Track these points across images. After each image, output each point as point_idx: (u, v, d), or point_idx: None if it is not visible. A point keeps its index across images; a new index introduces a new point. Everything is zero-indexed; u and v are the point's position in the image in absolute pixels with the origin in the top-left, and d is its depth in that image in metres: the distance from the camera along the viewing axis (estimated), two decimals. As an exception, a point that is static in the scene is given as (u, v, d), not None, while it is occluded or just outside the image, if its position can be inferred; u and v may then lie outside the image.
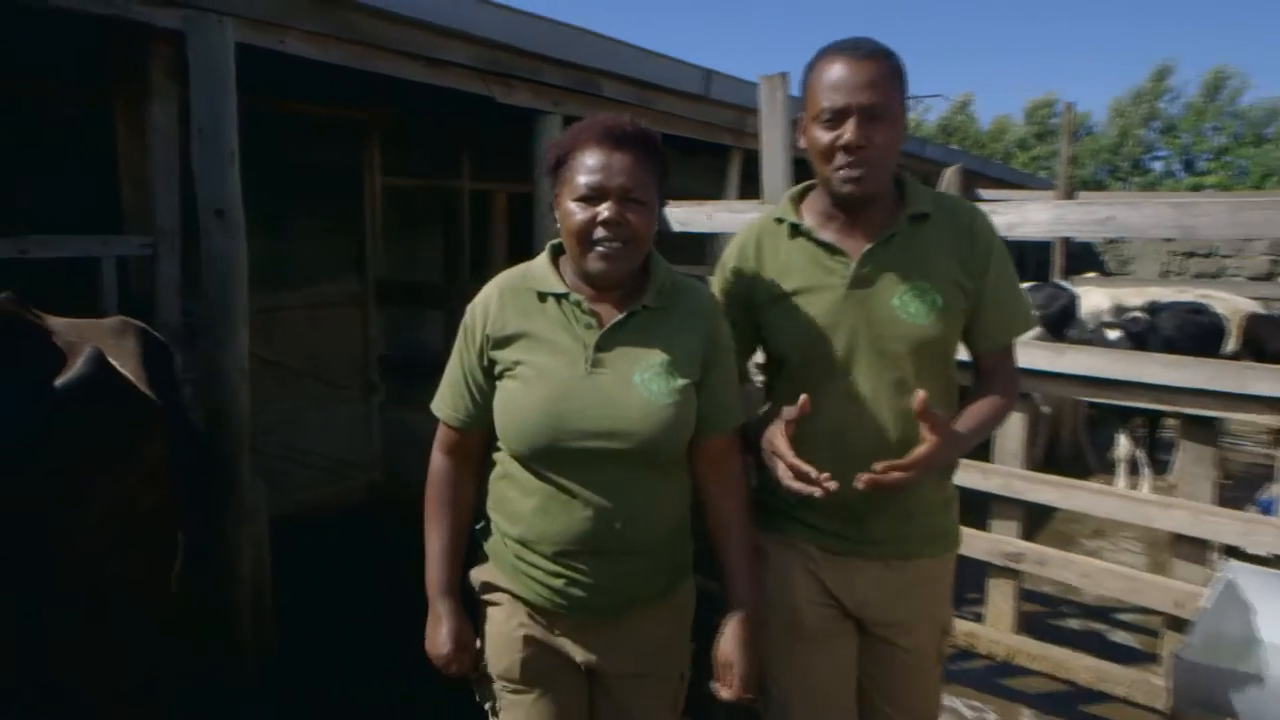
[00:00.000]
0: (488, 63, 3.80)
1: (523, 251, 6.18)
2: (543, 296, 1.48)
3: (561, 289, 1.47)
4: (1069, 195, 7.38)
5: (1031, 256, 10.14)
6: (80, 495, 1.45)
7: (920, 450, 1.42)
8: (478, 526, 1.62)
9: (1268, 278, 9.95)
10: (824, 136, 1.51)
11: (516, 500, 1.50)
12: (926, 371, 1.58)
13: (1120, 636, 3.68)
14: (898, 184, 1.63)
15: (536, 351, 1.46)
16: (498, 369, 1.49)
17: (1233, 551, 2.78)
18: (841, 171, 1.51)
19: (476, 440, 1.57)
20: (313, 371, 4.75)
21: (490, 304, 1.50)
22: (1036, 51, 60.18)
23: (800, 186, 1.69)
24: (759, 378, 1.88)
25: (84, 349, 1.43)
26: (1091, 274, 9.74)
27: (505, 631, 1.55)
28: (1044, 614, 3.82)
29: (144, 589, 1.63)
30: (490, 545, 1.59)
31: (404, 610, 1.85)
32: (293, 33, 3.09)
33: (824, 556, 1.65)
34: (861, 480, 1.41)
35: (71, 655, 1.49)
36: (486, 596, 1.59)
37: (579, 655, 1.53)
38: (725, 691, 1.54)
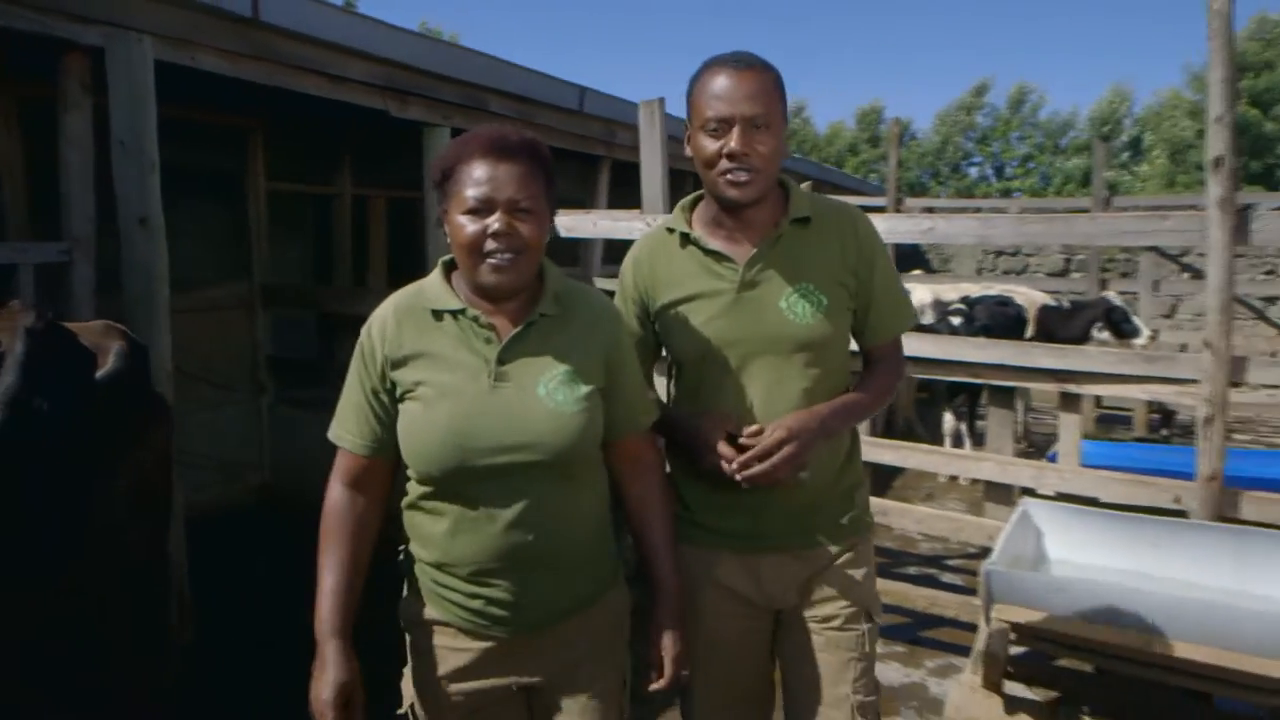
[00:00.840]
0: (384, 79, 4.06)
1: (402, 255, 6.52)
2: (438, 314, 1.46)
3: (457, 305, 1.46)
4: (897, 202, 8.29)
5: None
6: (111, 470, 1.69)
7: (769, 428, 1.54)
8: (399, 559, 1.59)
9: (1062, 274, 11.35)
10: (709, 145, 1.56)
11: (427, 524, 1.48)
12: (816, 368, 1.65)
13: (949, 578, 4.37)
14: (782, 190, 1.69)
15: (437, 370, 1.43)
16: (398, 391, 1.46)
17: (1028, 492, 3.45)
18: (726, 177, 1.56)
19: (380, 468, 1.51)
20: (203, 374, 4.82)
21: (386, 325, 1.47)
22: (865, 60, 64.22)
23: (692, 196, 1.74)
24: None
25: (111, 347, 1.67)
26: (917, 271, 10.88)
27: (432, 670, 1.51)
28: (887, 564, 4.47)
29: (151, 554, 1.88)
30: (409, 572, 1.56)
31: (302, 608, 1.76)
32: (205, 49, 3.27)
33: (728, 557, 1.69)
34: (737, 475, 1.52)
35: (95, 610, 1.73)
36: (411, 632, 1.56)
37: (512, 677, 1.51)
38: (658, 680, 1.56)
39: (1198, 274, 8.97)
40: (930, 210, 12.46)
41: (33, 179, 3.74)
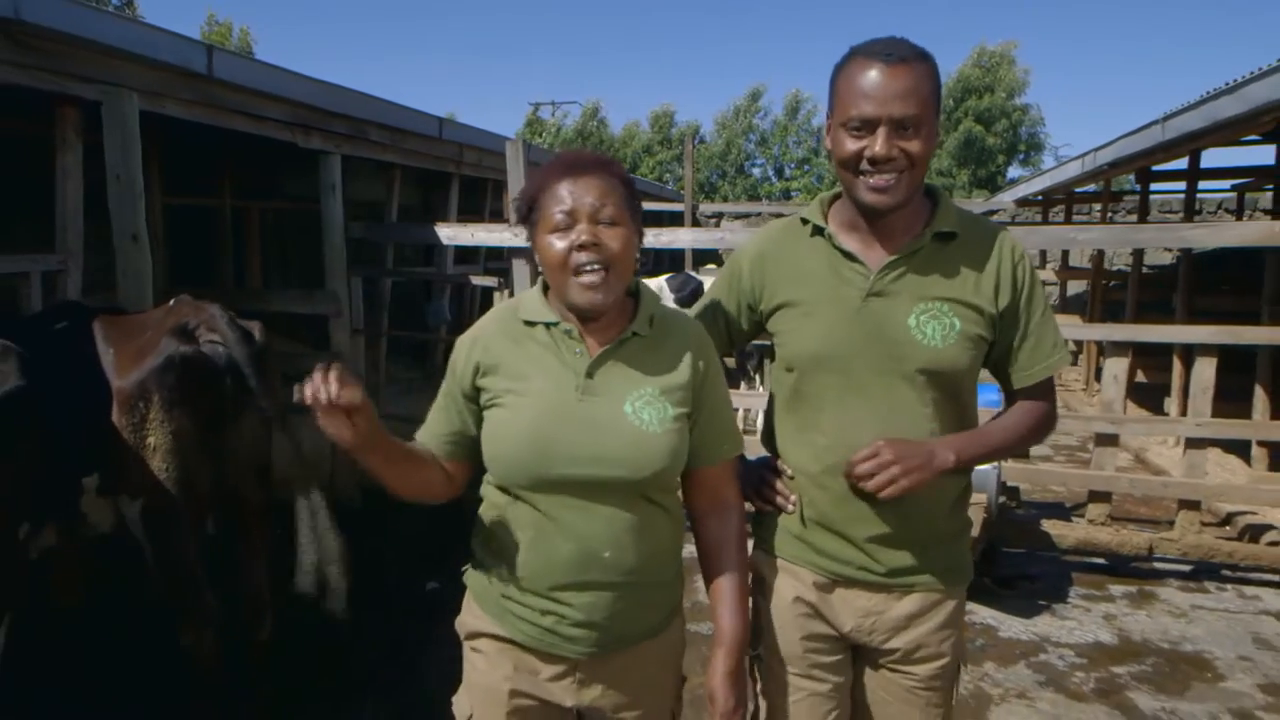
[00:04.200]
0: (293, 117, 4.97)
1: (276, 261, 7.64)
2: (531, 324, 1.48)
3: (551, 317, 1.46)
4: (694, 210, 9.88)
5: (666, 253, 12.80)
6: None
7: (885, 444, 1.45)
8: (463, 568, 1.60)
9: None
10: (850, 145, 1.45)
11: (504, 535, 1.47)
12: (936, 397, 1.53)
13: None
14: (930, 196, 1.56)
15: (525, 379, 1.44)
16: (485, 397, 1.48)
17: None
18: (868, 181, 1.45)
19: (454, 468, 1.55)
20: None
21: (480, 334, 1.52)
22: (658, 63, 67.21)
23: (833, 191, 1.64)
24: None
25: (166, 330, 2.65)
26: (712, 265, 12.63)
27: (491, 684, 1.51)
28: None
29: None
30: (476, 586, 1.56)
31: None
32: (171, 100, 4.12)
33: (825, 583, 1.60)
34: (854, 474, 1.47)
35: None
36: (471, 644, 1.56)
37: (569, 699, 1.49)
38: None
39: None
40: (720, 215, 14.42)
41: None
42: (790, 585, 1.63)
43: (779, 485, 1.63)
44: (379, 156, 6.03)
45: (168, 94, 4.08)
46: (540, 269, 1.47)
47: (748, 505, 1.67)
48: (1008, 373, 1.59)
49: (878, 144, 1.42)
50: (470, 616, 1.57)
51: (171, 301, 3.02)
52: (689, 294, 7.74)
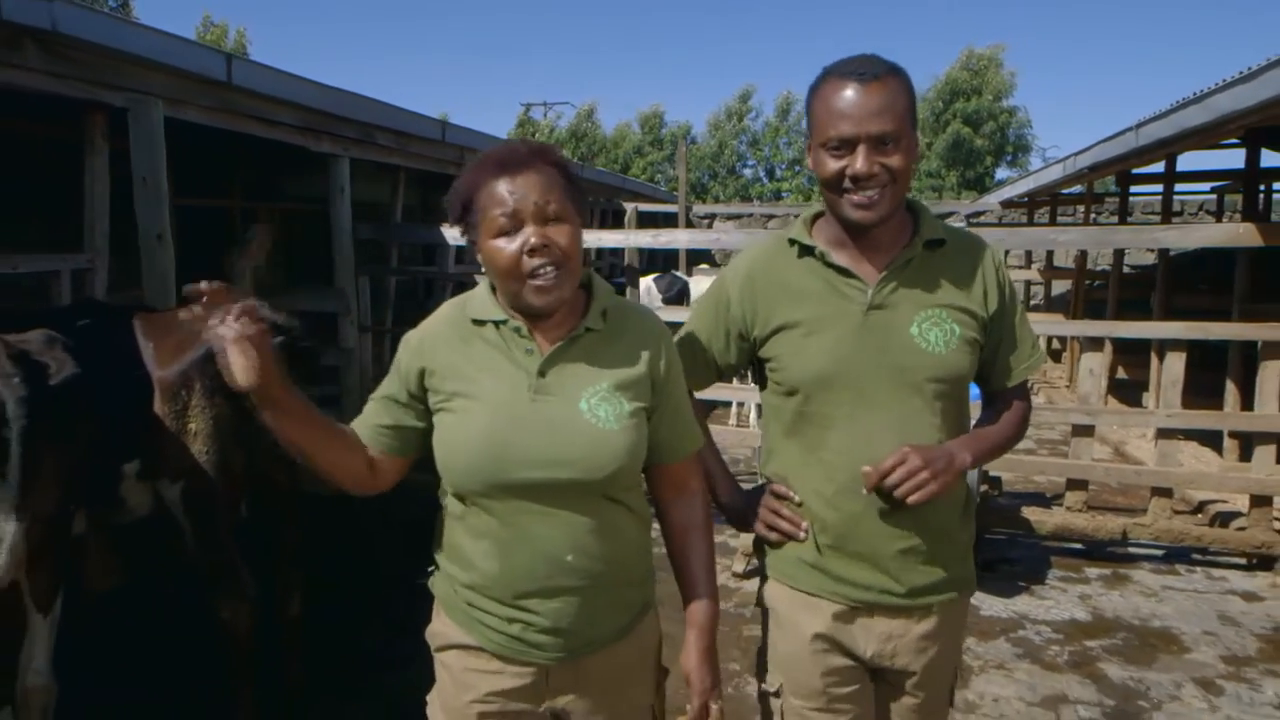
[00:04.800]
0: (305, 122, 5.17)
1: (280, 260, 7.85)
2: (480, 323, 1.43)
3: (500, 315, 1.42)
4: (687, 210, 10.10)
5: (661, 253, 13.01)
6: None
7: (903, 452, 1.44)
8: (429, 571, 1.56)
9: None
10: (831, 164, 1.46)
11: (465, 544, 1.44)
12: (942, 404, 1.55)
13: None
14: (910, 210, 1.59)
15: (474, 381, 1.40)
16: (433, 400, 1.43)
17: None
18: (851, 198, 1.46)
19: (382, 463, 1.49)
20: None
21: (426, 335, 1.46)
22: (649, 63, 67.44)
23: (815, 209, 1.64)
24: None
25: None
26: (704, 265, 12.85)
27: (457, 706, 1.47)
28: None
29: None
30: (441, 594, 1.52)
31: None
32: (192, 106, 4.31)
33: (845, 612, 1.59)
34: (869, 483, 1.46)
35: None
36: (440, 657, 1.53)
37: (542, 704, 1.47)
38: (689, 716, 1.52)
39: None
40: (712, 215, 14.65)
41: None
42: (808, 620, 1.61)
43: (786, 512, 1.61)
44: (386, 160, 6.23)
45: (189, 100, 4.27)
46: (485, 271, 1.42)
47: (753, 536, 1.69)
48: (993, 374, 1.63)
49: (859, 162, 1.43)
50: (440, 624, 1.53)
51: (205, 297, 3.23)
52: (675, 294, 7.98)
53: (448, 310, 1.51)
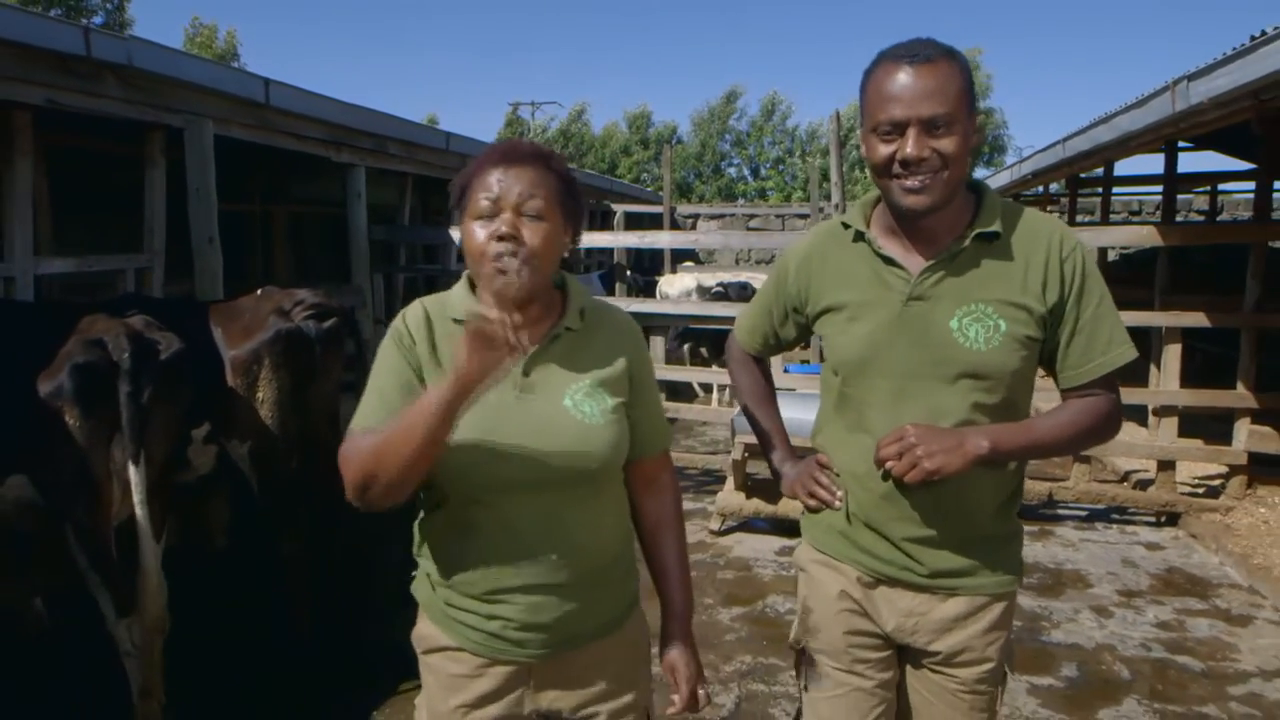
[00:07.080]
0: (328, 135, 5.80)
1: (293, 258, 8.63)
2: (460, 323, 1.35)
3: None
4: (671, 211, 10.77)
5: (647, 253, 13.69)
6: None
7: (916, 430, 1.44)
8: (412, 573, 1.56)
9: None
10: (882, 149, 1.44)
11: (444, 541, 1.45)
12: (984, 402, 1.50)
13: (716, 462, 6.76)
14: (975, 194, 1.54)
15: None
16: None
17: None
18: (902, 184, 1.43)
19: None
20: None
21: (420, 322, 1.45)
22: (635, 62, 68.12)
23: (875, 194, 1.61)
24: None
25: (269, 311, 3.49)
26: (689, 263, 13.54)
27: (447, 699, 1.48)
28: (680, 436, 6.78)
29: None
30: (422, 597, 1.52)
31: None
32: (236, 125, 4.94)
33: (870, 580, 1.60)
34: (885, 465, 1.45)
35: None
36: (425, 660, 1.53)
37: (525, 704, 1.47)
38: (677, 704, 1.53)
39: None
40: (696, 216, 15.34)
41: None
42: (835, 580, 1.64)
43: (825, 480, 1.65)
44: (397, 168, 6.86)
45: (234, 120, 4.91)
46: (463, 256, 1.45)
47: (797, 503, 1.75)
48: (1061, 369, 1.54)
49: (909, 145, 1.41)
50: (423, 627, 1.53)
51: (259, 291, 3.85)
52: (750, 295, 8.52)
53: (430, 305, 1.49)
